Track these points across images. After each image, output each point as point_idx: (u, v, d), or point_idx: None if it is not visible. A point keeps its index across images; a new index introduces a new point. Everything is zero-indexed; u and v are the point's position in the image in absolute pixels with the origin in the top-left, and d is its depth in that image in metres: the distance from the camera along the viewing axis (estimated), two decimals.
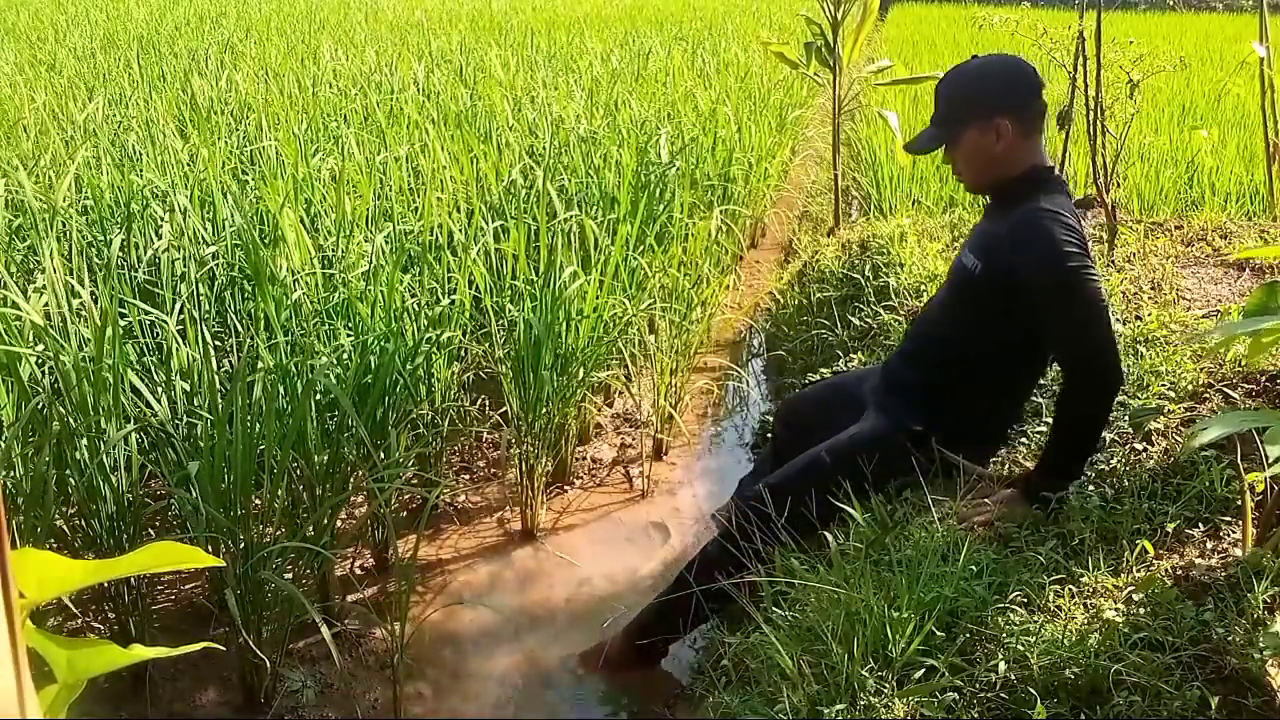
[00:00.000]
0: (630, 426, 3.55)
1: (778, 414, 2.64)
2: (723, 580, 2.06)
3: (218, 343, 2.73)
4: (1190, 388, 2.27)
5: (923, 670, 1.50)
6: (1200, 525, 1.75)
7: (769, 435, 2.84)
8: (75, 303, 2.44)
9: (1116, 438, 2.10)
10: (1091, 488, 1.90)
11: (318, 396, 2.41)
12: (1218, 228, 3.90)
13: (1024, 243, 1.90)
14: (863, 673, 1.50)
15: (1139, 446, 2.05)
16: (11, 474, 2.07)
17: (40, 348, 2.28)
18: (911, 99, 6.54)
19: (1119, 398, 2.25)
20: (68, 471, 2.15)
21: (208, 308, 2.78)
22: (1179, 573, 1.61)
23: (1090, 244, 1.93)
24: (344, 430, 2.40)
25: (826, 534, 1.98)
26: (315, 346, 2.49)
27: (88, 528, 2.21)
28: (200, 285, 2.75)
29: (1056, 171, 2.04)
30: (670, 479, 3.25)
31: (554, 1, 12.73)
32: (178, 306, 2.58)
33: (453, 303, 2.92)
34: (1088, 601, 1.58)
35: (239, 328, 2.76)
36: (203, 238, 2.97)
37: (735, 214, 4.62)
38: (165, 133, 3.99)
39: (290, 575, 2.27)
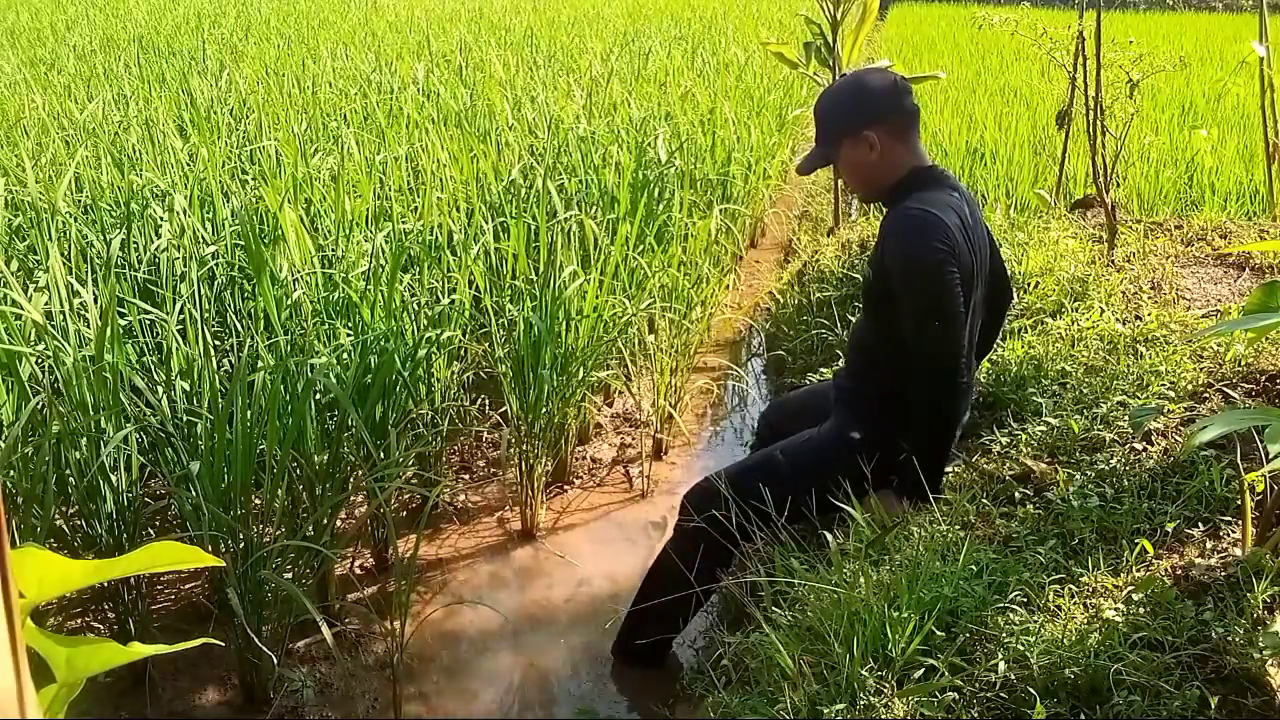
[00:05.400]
0: (630, 426, 3.55)
1: (763, 415, 2.69)
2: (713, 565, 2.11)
3: (218, 342, 2.73)
4: (1190, 388, 2.27)
5: (923, 670, 1.50)
6: (1200, 525, 1.75)
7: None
8: (75, 302, 2.44)
9: (1116, 438, 2.10)
10: (1091, 487, 1.90)
11: (318, 396, 2.41)
12: (1217, 227, 3.89)
13: (890, 241, 2.01)
14: (863, 672, 1.50)
15: (1139, 446, 2.05)
16: (11, 474, 2.07)
17: (40, 347, 2.28)
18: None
19: (1122, 398, 2.25)
20: (68, 471, 2.15)
21: (208, 307, 2.78)
22: (1179, 572, 1.61)
23: (962, 237, 1.97)
24: (344, 430, 2.40)
25: (814, 530, 2.01)
26: (315, 346, 2.49)
27: (88, 528, 2.21)
28: (200, 285, 2.75)
29: (938, 167, 2.10)
30: (670, 479, 3.25)
31: (555, 1, 12.72)
32: (178, 306, 2.58)
33: (453, 302, 2.92)
34: (1088, 601, 1.58)
35: (239, 327, 2.76)
36: (202, 237, 2.97)
37: (735, 214, 4.61)
38: (165, 132, 3.98)
39: (290, 575, 2.27)
